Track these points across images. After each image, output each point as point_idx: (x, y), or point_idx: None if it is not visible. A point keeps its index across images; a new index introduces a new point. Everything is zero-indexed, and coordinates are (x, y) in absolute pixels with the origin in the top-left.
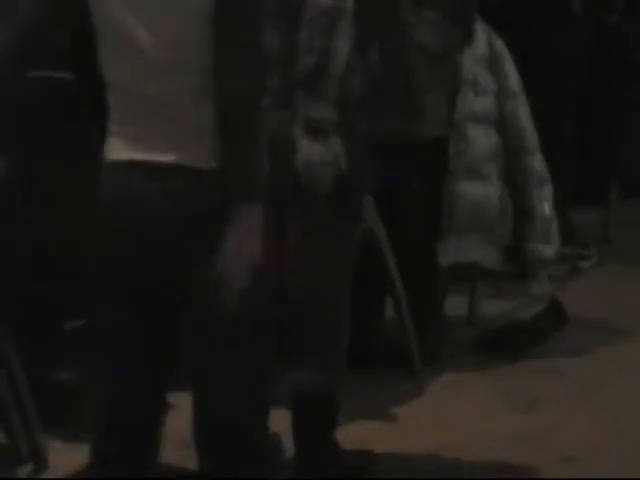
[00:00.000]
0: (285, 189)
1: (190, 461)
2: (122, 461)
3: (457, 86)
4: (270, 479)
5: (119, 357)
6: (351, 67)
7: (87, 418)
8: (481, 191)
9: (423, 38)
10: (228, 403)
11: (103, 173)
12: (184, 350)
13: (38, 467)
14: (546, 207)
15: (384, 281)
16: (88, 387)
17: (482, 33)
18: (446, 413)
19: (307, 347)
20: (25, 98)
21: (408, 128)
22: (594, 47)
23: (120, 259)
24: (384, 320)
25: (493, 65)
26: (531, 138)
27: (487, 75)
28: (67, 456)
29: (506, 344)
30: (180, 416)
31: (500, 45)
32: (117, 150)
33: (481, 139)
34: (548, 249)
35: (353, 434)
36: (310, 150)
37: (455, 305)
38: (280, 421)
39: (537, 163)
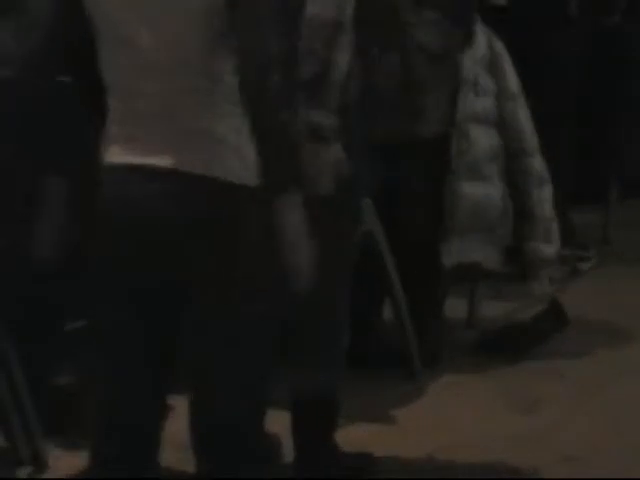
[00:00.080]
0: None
1: (188, 464)
2: (122, 462)
3: (457, 86)
4: (269, 479)
5: (119, 358)
6: (351, 74)
7: (87, 421)
8: (482, 191)
9: (423, 38)
10: (228, 403)
11: (102, 175)
12: (183, 351)
13: (38, 469)
14: (546, 207)
15: (383, 283)
16: (88, 390)
17: (482, 35)
18: (446, 414)
19: (307, 348)
20: (30, 99)
21: (408, 128)
22: (594, 47)
23: (120, 260)
24: (383, 321)
25: (493, 67)
26: (531, 140)
27: (487, 77)
28: (67, 459)
29: (506, 346)
30: (178, 419)
31: (500, 47)
32: (116, 152)
33: (482, 139)
34: (549, 248)
35: (353, 436)
36: (311, 154)
37: (455, 306)
38: (280, 422)
39: (537, 164)
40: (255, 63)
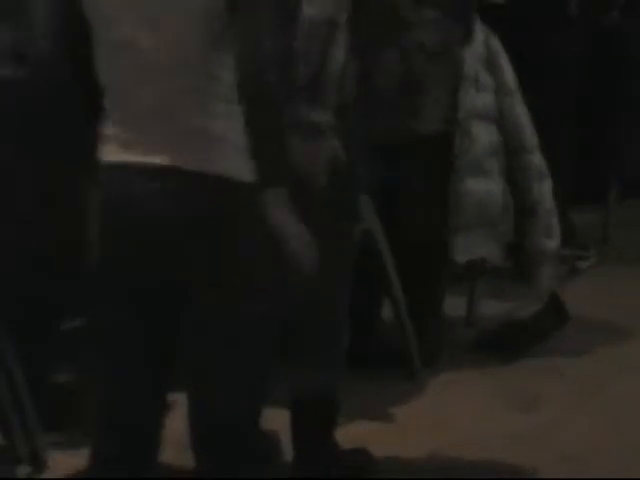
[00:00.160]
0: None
1: (188, 462)
2: (122, 461)
3: (458, 83)
4: (269, 479)
5: (119, 357)
6: (347, 73)
7: (86, 419)
8: (484, 187)
9: (423, 36)
10: (228, 403)
11: (101, 174)
12: (183, 350)
13: (37, 468)
14: (547, 201)
15: (382, 282)
16: (87, 388)
17: (480, 33)
18: (445, 413)
19: (307, 348)
20: (30, 99)
21: (408, 126)
22: (593, 47)
23: (119, 260)
24: (382, 320)
25: (490, 64)
26: (530, 135)
27: (485, 73)
28: (66, 458)
29: (504, 344)
30: (178, 417)
31: (497, 44)
32: (114, 151)
33: (482, 135)
34: (550, 243)
35: (352, 434)
36: (307, 152)
37: (454, 305)
38: (279, 420)
39: (536, 159)
40: (253, 64)
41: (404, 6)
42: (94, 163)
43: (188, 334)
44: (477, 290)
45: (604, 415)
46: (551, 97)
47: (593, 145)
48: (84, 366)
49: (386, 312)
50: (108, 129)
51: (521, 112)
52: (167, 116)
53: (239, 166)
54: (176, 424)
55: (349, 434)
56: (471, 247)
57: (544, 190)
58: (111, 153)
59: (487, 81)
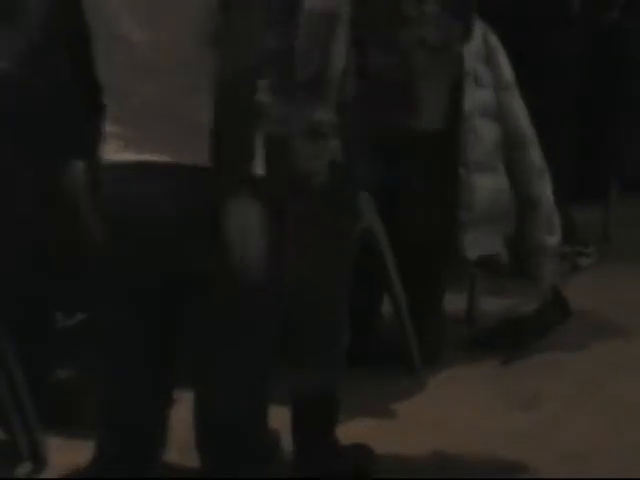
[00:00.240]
0: (284, 190)
1: (190, 460)
2: (122, 461)
3: (459, 79)
4: (270, 479)
5: (119, 357)
6: (347, 70)
7: (86, 417)
8: (492, 183)
9: (424, 32)
10: (228, 403)
11: (100, 173)
12: (185, 349)
13: (37, 466)
14: (548, 196)
15: (383, 280)
16: (87, 386)
17: (478, 30)
18: (445, 411)
19: (307, 348)
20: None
21: (408, 122)
22: (594, 47)
23: (119, 259)
24: (382, 317)
25: (488, 60)
26: (528, 130)
27: (485, 69)
28: (66, 455)
29: (504, 342)
30: (181, 415)
31: (494, 40)
32: (114, 150)
33: (486, 131)
34: (551, 239)
35: (353, 431)
36: (310, 152)
37: (454, 302)
38: (280, 418)
39: (536, 154)
40: (234, 66)
41: (405, 2)
42: (94, 161)
43: (188, 333)
44: (477, 287)
45: (604, 413)
46: (551, 97)
47: (593, 145)
48: (84, 364)
49: (386, 309)
50: (107, 127)
51: (519, 107)
52: (166, 115)
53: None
54: (181, 423)
55: (349, 432)
56: (481, 243)
57: (544, 184)
58: (111, 151)
59: (486, 77)
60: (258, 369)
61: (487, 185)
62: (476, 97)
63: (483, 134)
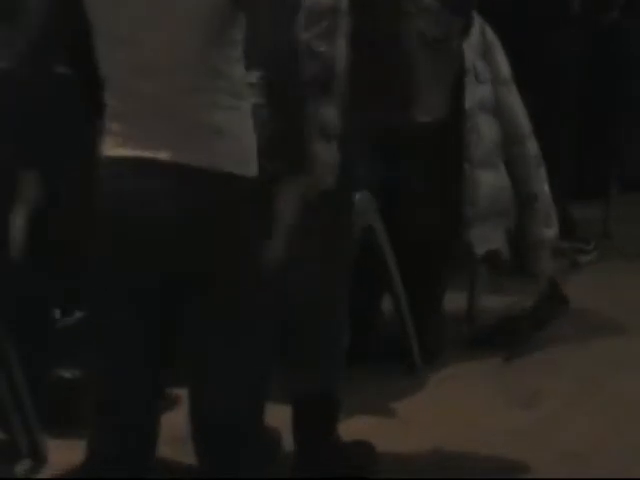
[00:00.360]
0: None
1: (185, 456)
2: (122, 461)
3: (460, 75)
4: (270, 479)
5: (119, 357)
6: (346, 67)
7: (85, 416)
8: (494, 178)
9: (422, 26)
10: (229, 402)
11: (101, 170)
12: (182, 349)
13: (36, 463)
14: (545, 189)
15: (383, 279)
16: (87, 385)
17: (476, 25)
18: (446, 409)
19: (307, 348)
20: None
21: (408, 117)
22: (594, 47)
23: (118, 258)
24: (382, 314)
25: (486, 55)
26: (525, 124)
27: (483, 64)
28: (65, 454)
29: (504, 340)
30: (177, 412)
31: (491, 35)
32: (114, 147)
33: (486, 127)
34: (549, 232)
35: (353, 429)
36: (323, 155)
37: (454, 300)
38: (280, 418)
39: (533, 147)
40: (277, 53)
41: None
42: (95, 159)
43: (188, 333)
44: (477, 285)
45: (604, 411)
46: (551, 97)
47: (593, 145)
48: (84, 363)
49: (386, 308)
50: (108, 124)
51: (516, 102)
52: (167, 114)
53: (240, 161)
54: (175, 420)
55: (350, 429)
56: (488, 238)
57: (541, 178)
58: (111, 149)
59: (485, 73)
60: (257, 369)
61: (489, 181)
62: (476, 93)
63: (483, 131)
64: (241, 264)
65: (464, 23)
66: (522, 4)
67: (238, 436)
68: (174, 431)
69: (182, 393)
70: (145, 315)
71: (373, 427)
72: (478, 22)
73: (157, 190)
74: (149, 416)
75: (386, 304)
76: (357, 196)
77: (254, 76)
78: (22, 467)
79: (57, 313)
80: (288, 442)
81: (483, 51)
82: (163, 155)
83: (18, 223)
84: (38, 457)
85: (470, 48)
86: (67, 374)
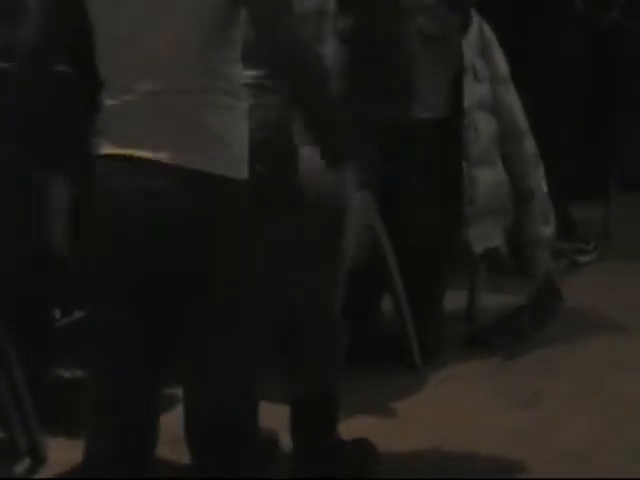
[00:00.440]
0: (284, 195)
1: (183, 456)
2: (122, 461)
3: (459, 72)
4: (270, 479)
5: (119, 357)
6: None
7: (85, 415)
8: (491, 176)
9: (421, 22)
10: (229, 402)
11: (97, 170)
12: (182, 349)
13: (36, 463)
14: (543, 187)
15: (384, 278)
16: (86, 385)
17: (474, 22)
18: (445, 409)
19: (307, 348)
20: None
21: (408, 112)
22: (594, 47)
23: (117, 257)
24: (383, 316)
25: (484, 53)
26: (522, 122)
27: (481, 62)
28: (65, 453)
29: (503, 340)
30: (171, 411)
31: (489, 33)
32: (112, 147)
33: (483, 125)
34: (546, 230)
35: (353, 430)
36: (311, 158)
37: (454, 300)
38: (280, 418)
39: (530, 145)
40: (288, 46)
41: None
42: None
43: (188, 333)
44: (478, 284)
45: (604, 411)
46: (551, 97)
47: (593, 145)
48: (83, 363)
49: (386, 308)
50: (106, 124)
51: (514, 100)
52: (166, 112)
53: (236, 164)
54: (171, 419)
55: (350, 429)
56: (486, 236)
57: (539, 177)
58: (109, 148)
59: (483, 71)
60: (254, 368)
61: (487, 179)
62: (475, 91)
63: (481, 128)
64: (239, 265)
65: (462, 21)
66: (522, 4)
67: (238, 436)
68: (171, 431)
69: (177, 393)
70: (145, 315)
71: (373, 427)
72: (476, 20)
73: (156, 190)
74: (149, 416)
75: (386, 304)
76: (357, 196)
77: (248, 77)
78: (22, 467)
79: (57, 313)
80: (288, 443)
81: (481, 49)
82: (161, 156)
83: (56, 226)
84: (38, 457)
85: (469, 46)
86: (67, 374)
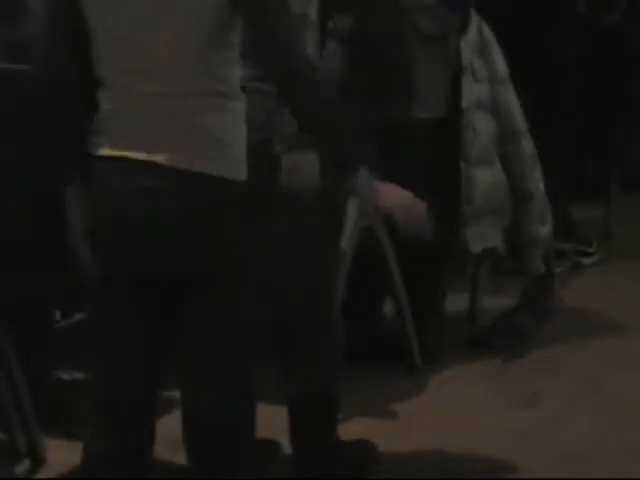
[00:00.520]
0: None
1: (181, 457)
2: (122, 461)
3: (457, 72)
4: (270, 479)
5: (119, 357)
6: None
7: (85, 416)
8: (490, 176)
9: (419, 21)
10: (229, 402)
11: (95, 170)
12: (182, 349)
13: (36, 464)
14: (540, 187)
15: (385, 278)
16: (86, 385)
17: (473, 22)
18: (446, 410)
19: (307, 348)
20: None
21: (407, 111)
22: (594, 47)
23: (117, 257)
24: (383, 317)
25: (483, 53)
26: (521, 123)
27: (480, 62)
28: (64, 454)
29: (503, 341)
30: (170, 413)
31: (488, 33)
32: (111, 148)
33: (482, 125)
34: (543, 230)
35: (353, 431)
36: (293, 166)
37: (455, 301)
38: (279, 418)
39: (528, 145)
40: (284, 51)
41: None
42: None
43: (188, 333)
44: (478, 286)
45: (605, 411)
46: (551, 97)
47: (593, 145)
48: (83, 363)
49: (387, 308)
50: (104, 124)
51: (512, 100)
52: (165, 113)
53: (235, 165)
54: (170, 421)
55: (349, 431)
56: (484, 236)
57: (537, 177)
58: (108, 149)
59: (482, 71)
60: (253, 369)
61: (485, 179)
62: (473, 91)
63: (479, 128)
64: (239, 265)
65: (461, 21)
66: (522, 4)
67: (238, 436)
68: (170, 432)
69: (174, 395)
70: (145, 315)
71: (373, 428)
72: (475, 20)
73: (156, 190)
74: (148, 416)
75: (386, 306)
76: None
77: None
78: (21, 467)
79: (57, 314)
80: (288, 444)
81: (480, 49)
82: (160, 157)
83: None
84: (37, 457)
85: (467, 46)
86: (66, 376)
